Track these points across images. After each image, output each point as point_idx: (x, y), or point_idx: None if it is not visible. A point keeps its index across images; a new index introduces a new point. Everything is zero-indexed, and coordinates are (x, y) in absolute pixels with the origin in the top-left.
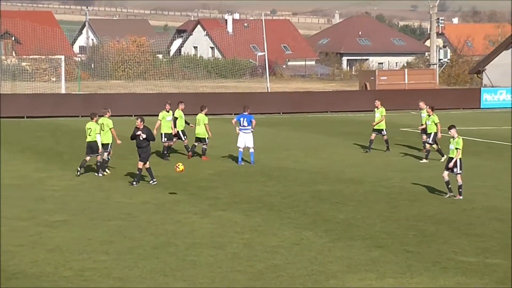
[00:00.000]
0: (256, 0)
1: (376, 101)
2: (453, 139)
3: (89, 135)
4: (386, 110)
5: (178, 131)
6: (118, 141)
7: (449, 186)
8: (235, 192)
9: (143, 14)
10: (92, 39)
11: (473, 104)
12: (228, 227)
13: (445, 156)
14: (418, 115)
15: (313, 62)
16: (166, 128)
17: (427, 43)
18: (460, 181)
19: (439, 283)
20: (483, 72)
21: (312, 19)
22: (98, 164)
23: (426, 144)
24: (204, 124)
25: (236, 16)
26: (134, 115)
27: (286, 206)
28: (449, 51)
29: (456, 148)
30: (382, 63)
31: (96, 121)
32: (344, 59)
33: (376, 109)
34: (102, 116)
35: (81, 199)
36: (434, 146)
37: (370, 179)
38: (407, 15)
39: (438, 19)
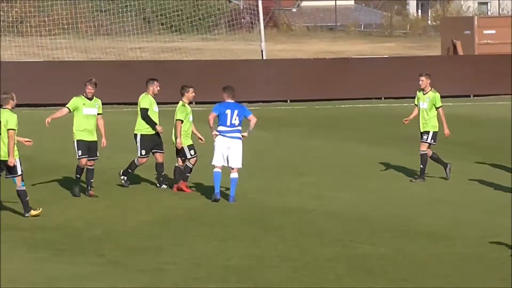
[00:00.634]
0: None
1: (422, 78)
2: None
3: None
4: (494, 94)
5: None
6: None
7: None
8: (196, 259)
9: None
10: None
11: None
12: None
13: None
14: None
15: (351, 2)
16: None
17: None
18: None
19: None
20: None
21: None
22: None
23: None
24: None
25: None
26: None
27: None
28: None
29: None
30: (486, 3)
31: None
32: None
33: (420, 92)
34: None
35: None
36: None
37: (468, 232)
38: None
39: None
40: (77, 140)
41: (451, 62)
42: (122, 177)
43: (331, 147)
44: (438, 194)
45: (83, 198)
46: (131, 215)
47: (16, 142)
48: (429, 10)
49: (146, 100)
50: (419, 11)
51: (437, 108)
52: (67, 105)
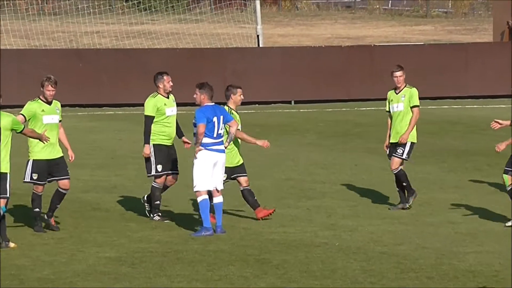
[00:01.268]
0: None
1: (397, 73)
2: None
3: None
4: None
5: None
6: None
7: None
8: None
9: None
10: None
11: None
12: None
13: None
14: None
15: None
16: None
17: None
18: None
19: None
20: None
21: None
22: None
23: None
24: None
25: None
26: None
27: None
28: None
29: None
30: None
31: None
32: None
33: (392, 92)
34: None
35: None
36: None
37: None
38: None
39: None
40: (34, 160)
41: (506, 50)
42: (152, 216)
43: (348, 162)
44: (480, 224)
45: (27, 228)
46: (90, 250)
47: None
48: None
49: (150, 105)
50: None
51: (412, 108)
52: (21, 112)
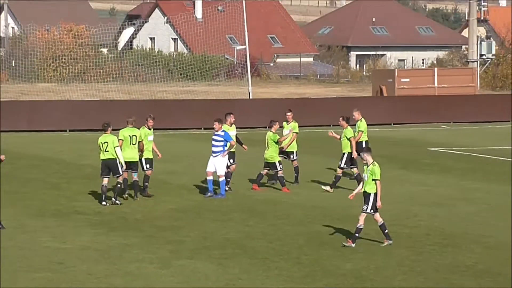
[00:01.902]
0: None
1: (288, 114)
2: (367, 167)
3: (106, 151)
4: (408, 122)
5: (140, 159)
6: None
7: (357, 235)
8: (205, 234)
9: None
10: (13, 27)
11: None
12: (195, 281)
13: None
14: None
15: (311, 59)
16: (148, 152)
17: (465, 33)
18: (380, 220)
19: None
20: None
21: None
22: (118, 186)
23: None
24: (275, 142)
25: None
26: (69, 130)
27: (274, 253)
28: (494, 43)
29: (374, 180)
30: (403, 60)
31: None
32: (353, 54)
33: (285, 122)
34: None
35: None
36: (354, 170)
37: (387, 216)
38: None
39: (479, 0)
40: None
41: (378, 100)
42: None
43: (299, 159)
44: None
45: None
46: (161, 205)
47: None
48: (364, 65)
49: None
50: (358, 65)
51: (294, 133)
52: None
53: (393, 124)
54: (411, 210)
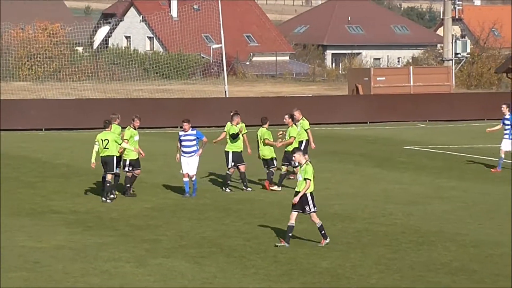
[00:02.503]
0: None
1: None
2: (300, 167)
3: (105, 148)
4: (384, 121)
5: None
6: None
7: (290, 234)
8: (181, 233)
9: None
10: None
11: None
12: (172, 279)
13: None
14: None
15: (287, 58)
16: (132, 153)
17: (440, 31)
18: (317, 221)
19: None
20: None
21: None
22: (108, 185)
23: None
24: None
25: None
26: (45, 129)
27: (251, 251)
28: (469, 42)
29: (305, 179)
30: (379, 59)
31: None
32: (328, 53)
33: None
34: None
35: None
36: (284, 168)
37: (364, 214)
38: None
39: None
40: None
41: (354, 99)
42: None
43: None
44: (343, 189)
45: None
46: (137, 204)
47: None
48: (340, 63)
49: (227, 127)
50: (333, 64)
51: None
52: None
53: (369, 122)
54: (386, 208)
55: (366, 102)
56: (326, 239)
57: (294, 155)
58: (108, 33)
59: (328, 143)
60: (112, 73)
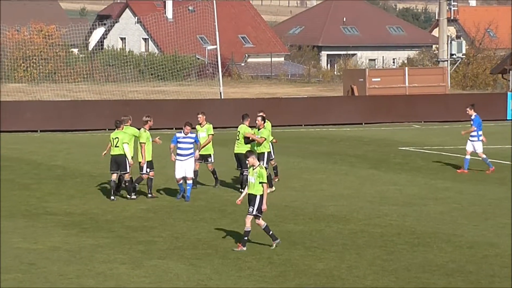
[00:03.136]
0: None
1: (200, 115)
2: (253, 169)
3: (116, 146)
4: (379, 122)
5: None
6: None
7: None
8: (176, 234)
9: None
10: None
11: (496, 114)
12: (167, 281)
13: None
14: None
15: (282, 59)
16: (149, 154)
17: (435, 32)
18: (248, 225)
19: None
20: (511, 72)
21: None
22: (127, 184)
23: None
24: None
25: None
26: (40, 130)
27: (246, 253)
28: (464, 43)
29: (262, 183)
30: (374, 60)
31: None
32: (323, 54)
33: (199, 126)
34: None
35: None
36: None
37: (359, 215)
38: None
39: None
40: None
41: (349, 100)
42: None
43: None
44: (338, 190)
45: (99, 194)
46: (132, 206)
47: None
48: (335, 64)
49: (241, 129)
50: (328, 65)
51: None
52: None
53: (364, 123)
54: (382, 209)
55: (361, 103)
56: (243, 246)
57: (248, 158)
58: (103, 34)
59: (323, 144)
60: (107, 74)
